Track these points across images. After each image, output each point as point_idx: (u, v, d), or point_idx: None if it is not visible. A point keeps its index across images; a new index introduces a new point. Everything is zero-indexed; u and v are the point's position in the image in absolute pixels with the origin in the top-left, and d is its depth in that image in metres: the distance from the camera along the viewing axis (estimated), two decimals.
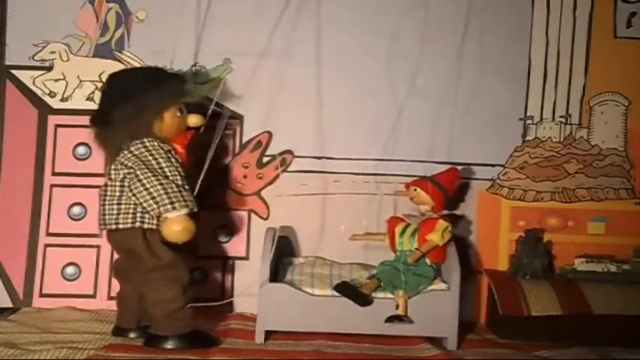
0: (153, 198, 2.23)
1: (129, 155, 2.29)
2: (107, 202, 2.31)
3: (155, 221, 2.28)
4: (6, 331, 2.36)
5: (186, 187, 2.28)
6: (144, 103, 2.30)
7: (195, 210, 2.26)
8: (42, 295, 2.69)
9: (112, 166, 2.33)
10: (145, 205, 2.24)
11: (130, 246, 2.30)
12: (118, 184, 2.31)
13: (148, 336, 2.30)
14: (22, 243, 2.70)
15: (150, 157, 2.28)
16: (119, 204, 2.30)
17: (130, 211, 2.29)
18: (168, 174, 2.27)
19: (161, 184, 2.24)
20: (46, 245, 2.71)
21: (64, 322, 2.49)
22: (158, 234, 2.28)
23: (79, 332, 2.39)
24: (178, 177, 2.28)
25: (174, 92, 2.37)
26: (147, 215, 2.28)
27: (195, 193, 2.31)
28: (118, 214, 2.29)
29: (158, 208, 2.22)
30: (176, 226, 2.23)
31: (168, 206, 2.22)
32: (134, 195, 2.26)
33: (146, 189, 2.24)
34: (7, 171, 2.71)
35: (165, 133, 2.35)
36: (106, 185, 2.33)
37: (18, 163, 2.71)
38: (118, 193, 2.30)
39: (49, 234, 2.71)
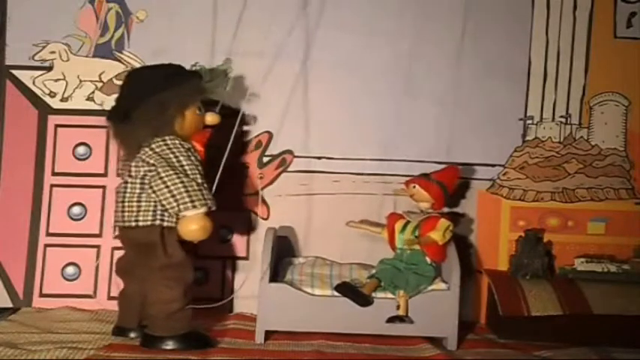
0: (173, 196, 2.23)
1: (150, 152, 2.29)
2: (127, 199, 2.31)
3: (174, 219, 2.28)
4: (6, 331, 2.36)
5: (206, 185, 2.29)
6: (167, 100, 2.30)
7: (214, 208, 2.27)
8: (42, 295, 2.69)
9: (133, 163, 2.32)
10: (164, 202, 2.25)
11: (147, 242, 2.29)
12: (138, 181, 2.31)
13: (145, 336, 2.30)
14: (22, 243, 2.70)
15: (171, 155, 2.28)
16: (139, 201, 2.30)
17: (150, 208, 2.29)
18: (189, 172, 2.27)
19: (182, 182, 2.24)
20: (46, 245, 2.71)
21: (64, 322, 2.49)
22: (175, 232, 2.28)
23: (79, 332, 2.39)
24: (198, 175, 2.28)
25: (196, 90, 2.38)
26: (166, 213, 2.28)
27: (213, 191, 2.31)
28: (138, 211, 2.29)
29: (178, 206, 2.23)
30: (194, 224, 2.24)
31: (189, 204, 2.22)
32: (154, 192, 2.26)
33: (167, 187, 2.24)
34: (7, 171, 2.71)
35: (186, 130, 2.35)
36: (125, 182, 2.33)
37: (18, 163, 2.71)
38: (138, 191, 2.30)
39: (49, 234, 2.71)
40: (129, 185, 2.32)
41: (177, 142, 2.30)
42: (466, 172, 2.74)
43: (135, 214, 2.29)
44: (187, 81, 2.37)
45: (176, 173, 2.25)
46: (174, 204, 2.23)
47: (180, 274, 2.29)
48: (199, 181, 2.27)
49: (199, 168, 2.30)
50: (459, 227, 2.70)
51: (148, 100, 2.29)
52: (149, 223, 2.28)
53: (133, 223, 2.30)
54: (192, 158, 2.30)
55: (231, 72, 2.72)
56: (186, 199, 2.23)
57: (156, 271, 2.28)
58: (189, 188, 2.24)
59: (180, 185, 2.24)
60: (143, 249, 2.32)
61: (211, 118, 2.43)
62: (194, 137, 2.37)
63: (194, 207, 2.23)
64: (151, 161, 2.28)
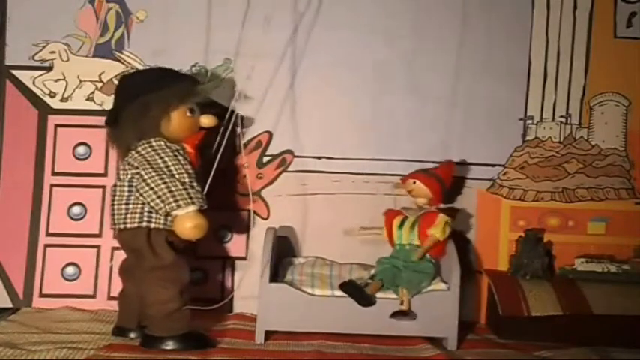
0: (159, 197, 2.23)
1: (136, 155, 2.30)
2: (116, 203, 2.33)
3: (162, 221, 2.29)
4: (6, 331, 2.36)
5: (195, 184, 2.28)
6: (149, 102, 2.31)
7: (205, 207, 2.27)
8: (42, 295, 2.69)
9: (121, 167, 2.35)
10: (152, 204, 2.25)
11: (135, 245, 2.31)
12: (126, 184, 2.32)
13: (145, 336, 2.30)
14: (22, 243, 2.70)
15: (156, 157, 2.29)
16: (127, 204, 2.31)
17: (138, 210, 2.30)
18: (174, 172, 2.27)
19: (165, 182, 2.24)
20: (46, 245, 2.71)
21: (64, 322, 2.49)
22: (163, 234, 2.29)
23: (79, 332, 2.39)
24: (185, 175, 2.28)
25: (181, 92, 2.37)
26: (154, 215, 2.29)
27: (204, 191, 2.31)
28: (126, 214, 2.30)
29: (165, 206, 2.23)
30: (188, 222, 2.23)
31: (173, 205, 2.22)
32: (141, 195, 2.27)
33: (151, 188, 2.24)
34: (7, 171, 2.71)
35: (175, 133, 2.35)
36: (115, 185, 2.35)
37: (18, 163, 2.71)
38: (126, 194, 2.32)
39: (49, 234, 2.71)
40: (118, 188, 2.34)
41: (162, 143, 2.31)
42: (466, 171, 2.74)
43: (123, 217, 2.31)
44: (174, 83, 2.37)
45: (158, 174, 2.26)
46: (161, 205, 2.24)
47: (174, 274, 2.29)
48: (185, 180, 2.27)
49: (187, 168, 2.30)
50: (459, 227, 2.69)
51: (133, 102, 2.31)
52: (136, 225, 2.29)
53: (122, 226, 2.31)
54: (180, 158, 2.31)
55: (230, 72, 2.72)
56: (171, 200, 2.23)
57: (147, 272, 2.29)
58: (173, 188, 2.24)
59: (163, 186, 2.24)
60: (134, 251, 2.33)
61: (207, 121, 2.43)
62: (187, 139, 2.37)
63: (179, 207, 2.23)
64: (135, 164, 2.29)
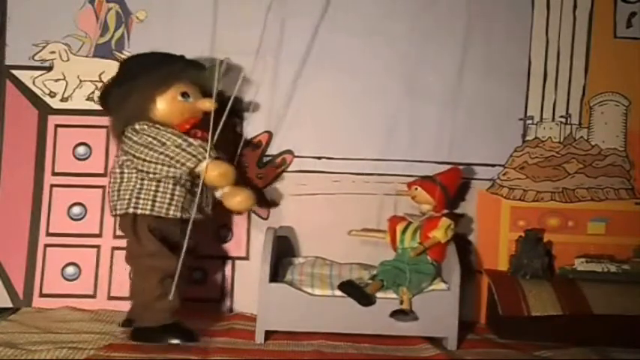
0: (164, 164, 2.25)
1: (125, 140, 2.32)
2: (111, 189, 2.35)
3: (148, 207, 2.28)
4: (6, 331, 2.36)
5: (191, 141, 2.29)
6: (132, 86, 2.32)
7: (213, 156, 2.28)
8: (42, 295, 2.69)
9: (116, 154, 2.37)
10: (170, 174, 2.26)
11: (123, 230, 2.33)
12: (118, 170, 2.34)
13: (133, 329, 2.30)
14: (22, 243, 2.70)
15: (142, 135, 2.29)
16: (118, 190, 2.32)
17: (126, 196, 2.30)
18: (164, 140, 2.28)
19: (161, 153, 2.26)
20: (46, 245, 2.71)
21: (64, 322, 2.49)
22: (147, 220, 2.29)
23: (79, 332, 2.39)
24: (175, 137, 2.28)
25: (167, 75, 2.36)
26: (141, 201, 2.29)
27: (209, 146, 2.31)
28: (117, 200, 2.32)
29: (174, 170, 2.24)
30: (213, 171, 2.27)
31: (182, 166, 2.24)
32: (154, 174, 2.27)
33: (151, 162, 2.26)
34: (7, 171, 2.71)
35: (165, 117, 2.35)
36: (111, 172, 2.37)
37: (18, 163, 2.71)
38: (118, 180, 2.33)
39: (49, 234, 2.71)
40: (112, 175, 2.36)
41: (145, 126, 2.31)
42: (466, 172, 2.74)
43: (114, 202, 2.33)
44: (158, 67, 2.36)
45: (149, 148, 2.27)
46: (170, 169, 2.25)
47: (154, 263, 2.27)
48: (179, 141, 2.27)
49: (174, 131, 2.30)
50: (459, 227, 2.69)
51: (118, 87, 2.33)
52: (124, 211, 2.30)
53: (113, 212, 2.34)
54: (168, 131, 2.30)
55: (229, 72, 2.71)
56: (176, 163, 2.25)
57: (132, 259, 2.30)
58: (172, 154, 2.26)
59: (161, 156, 2.26)
60: (125, 237, 2.34)
61: (208, 104, 2.40)
62: (182, 125, 2.36)
63: (188, 167, 2.25)
64: (125, 148, 2.31)
